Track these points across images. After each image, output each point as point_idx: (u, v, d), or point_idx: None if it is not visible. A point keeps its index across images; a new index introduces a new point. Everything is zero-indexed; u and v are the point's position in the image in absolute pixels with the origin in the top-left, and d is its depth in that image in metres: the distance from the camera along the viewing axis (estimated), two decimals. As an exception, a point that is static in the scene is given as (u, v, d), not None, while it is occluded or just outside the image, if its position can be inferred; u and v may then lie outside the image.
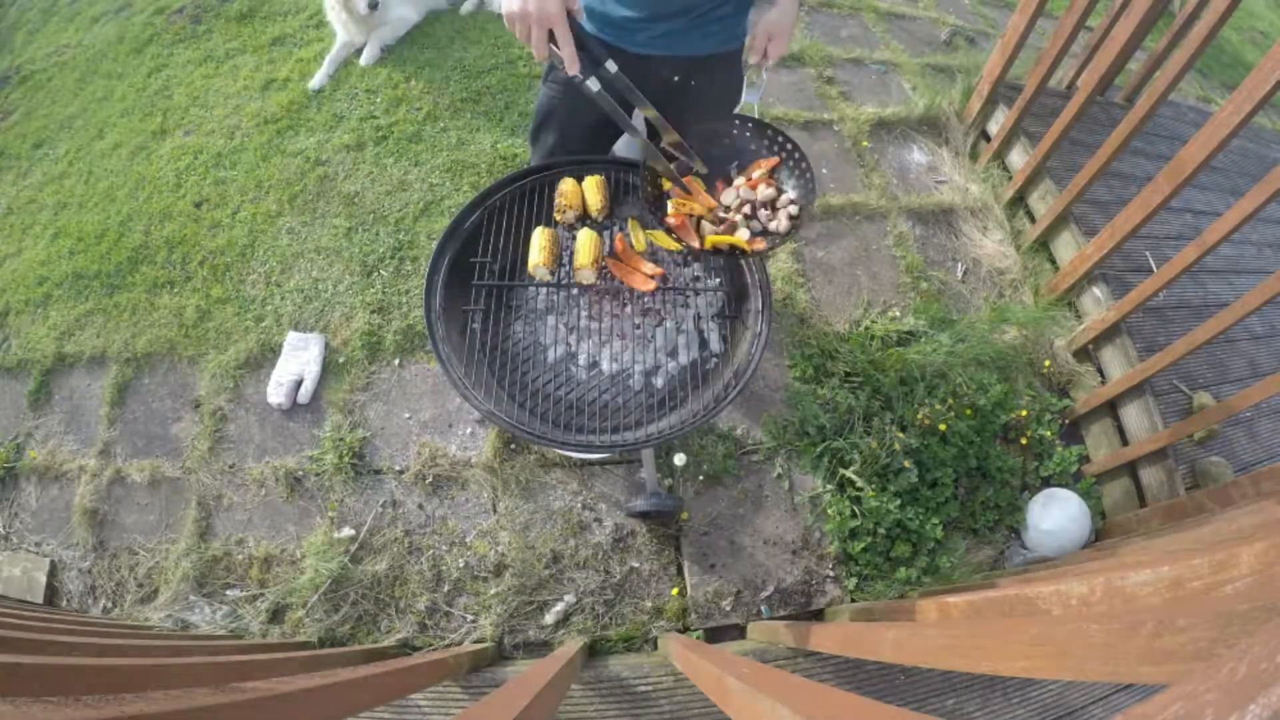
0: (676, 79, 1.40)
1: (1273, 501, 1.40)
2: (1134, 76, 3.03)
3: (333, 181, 2.60)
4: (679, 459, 1.91)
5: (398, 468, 1.99)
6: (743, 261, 1.41)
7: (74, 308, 2.43)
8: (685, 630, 1.78)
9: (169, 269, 2.45)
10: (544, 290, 1.43)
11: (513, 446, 1.99)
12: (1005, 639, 0.67)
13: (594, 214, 1.42)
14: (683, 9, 1.26)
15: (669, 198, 1.31)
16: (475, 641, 1.74)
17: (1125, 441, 2.06)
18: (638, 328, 1.43)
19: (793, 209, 1.32)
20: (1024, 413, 2.09)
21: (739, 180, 1.36)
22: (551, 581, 1.82)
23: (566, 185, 1.42)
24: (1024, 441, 2.08)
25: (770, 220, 1.31)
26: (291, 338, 2.20)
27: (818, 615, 1.82)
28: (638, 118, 1.71)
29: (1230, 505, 1.57)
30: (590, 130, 1.43)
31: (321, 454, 2.00)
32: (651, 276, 1.39)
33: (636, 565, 1.84)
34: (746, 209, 1.32)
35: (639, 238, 1.46)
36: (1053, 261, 2.50)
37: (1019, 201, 2.66)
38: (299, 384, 2.12)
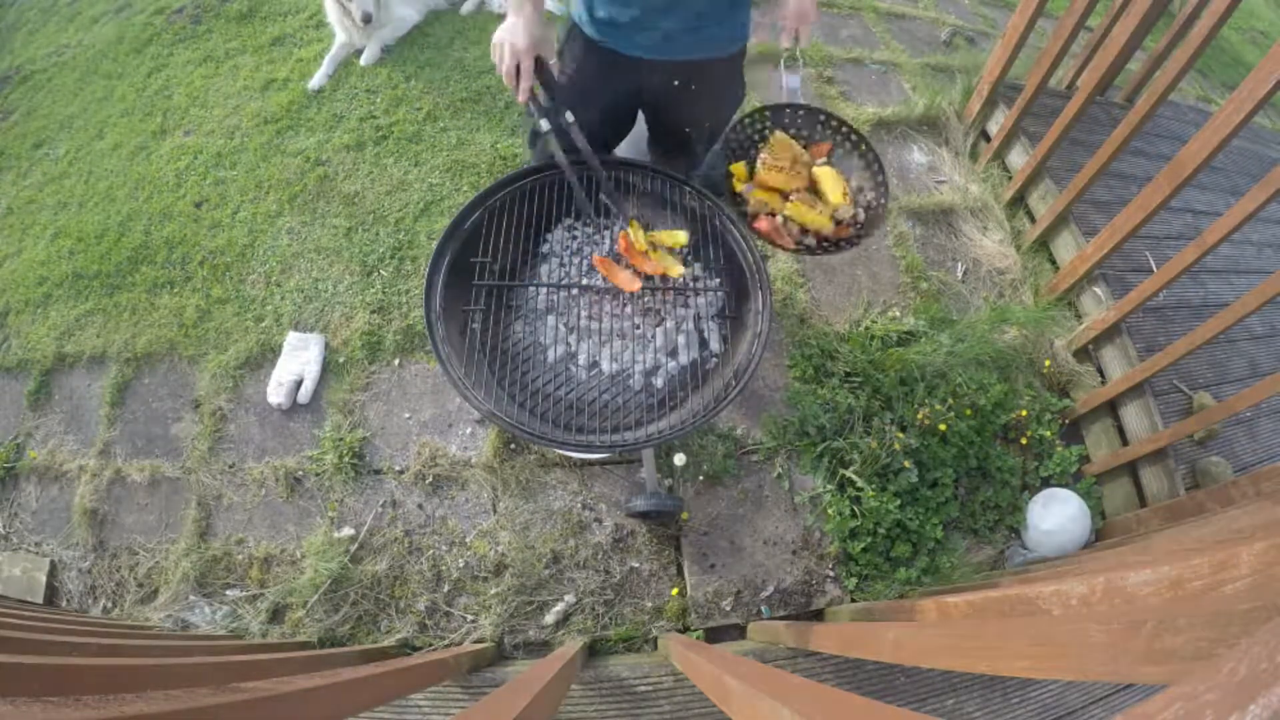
0: (677, 83, 1.41)
1: (1273, 501, 1.40)
2: (1134, 76, 3.03)
3: (333, 181, 2.60)
4: (679, 459, 1.91)
5: (398, 468, 1.99)
6: (743, 261, 1.42)
7: (74, 308, 2.43)
8: (685, 630, 1.78)
9: (169, 269, 2.45)
10: (544, 290, 1.44)
11: (513, 446, 1.99)
12: (1005, 639, 0.67)
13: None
14: (675, 6, 1.26)
15: (746, 196, 1.36)
16: (475, 641, 1.74)
17: (1125, 441, 2.06)
18: (638, 328, 1.43)
19: (862, 200, 1.38)
20: (1024, 413, 2.09)
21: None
22: (551, 581, 1.82)
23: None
24: (1024, 441, 2.08)
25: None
26: (291, 338, 2.20)
27: (818, 615, 1.82)
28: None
29: (1230, 505, 1.57)
30: (587, 134, 1.44)
31: (321, 454, 2.00)
32: (642, 275, 1.39)
33: (636, 565, 1.84)
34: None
35: (639, 238, 1.46)
36: (1053, 261, 2.50)
37: (1019, 201, 2.66)
38: (299, 384, 2.12)
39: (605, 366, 1.37)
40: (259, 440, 2.08)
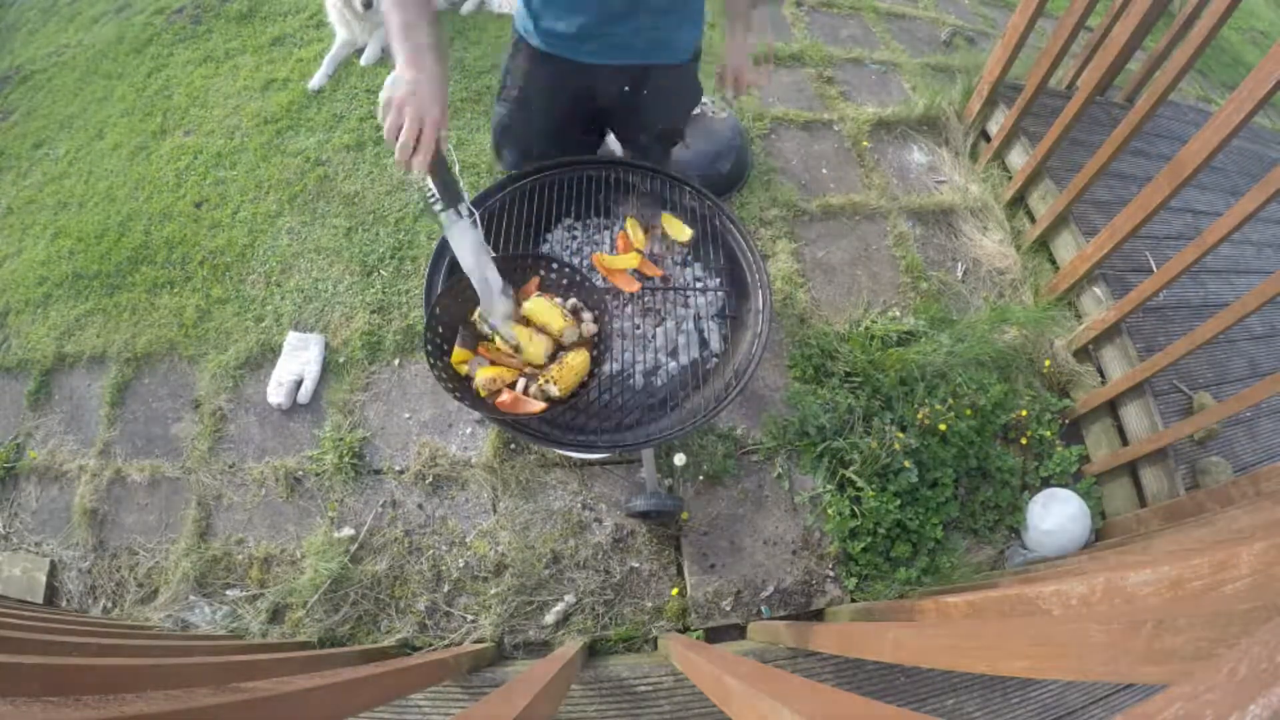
0: (626, 88, 1.41)
1: (1273, 501, 1.40)
2: (1134, 76, 3.03)
3: (333, 181, 2.60)
4: (679, 459, 1.91)
5: (398, 468, 1.99)
6: (743, 261, 1.42)
7: (74, 308, 2.43)
8: (685, 630, 1.78)
9: (169, 269, 2.45)
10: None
11: (513, 446, 1.99)
12: (1005, 639, 0.67)
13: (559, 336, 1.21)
14: (628, 14, 1.25)
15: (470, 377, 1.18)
16: (475, 641, 1.74)
17: (1125, 441, 2.06)
18: (638, 328, 1.43)
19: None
20: (1024, 413, 2.09)
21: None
22: (551, 581, 1.82)
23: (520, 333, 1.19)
24: (1024, 441, 2.08)
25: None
26: (291, 338, 2.20)
27: (818, 615, 1.82)
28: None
29: (1230, 505, 1.57)
30: (550, 138, 1.44)
31: (321, 454, 2.00)
32: (642, 276, 1.39)
33: (636, 565, 1.84)
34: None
35: (639, 236, 1.46)
36: (1053, 261, 2.50)
37: (1019, 201, 2.66)
38: (299, 384, 2.12)
39: (606, 366, 1.37)
40: (259, 440, 2.08)
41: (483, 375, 1.16)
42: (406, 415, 2.07)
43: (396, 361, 2.17)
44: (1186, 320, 2.32)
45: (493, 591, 1.79)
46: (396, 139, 0.95)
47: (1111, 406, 2.12)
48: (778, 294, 2.29)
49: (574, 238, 1.52)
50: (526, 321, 1.24)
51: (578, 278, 1.24)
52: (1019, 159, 2.67)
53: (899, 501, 1.84)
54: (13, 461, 2.17)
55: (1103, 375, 2.21)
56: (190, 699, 0.73)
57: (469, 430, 2.03)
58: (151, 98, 3.12)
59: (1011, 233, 2.57)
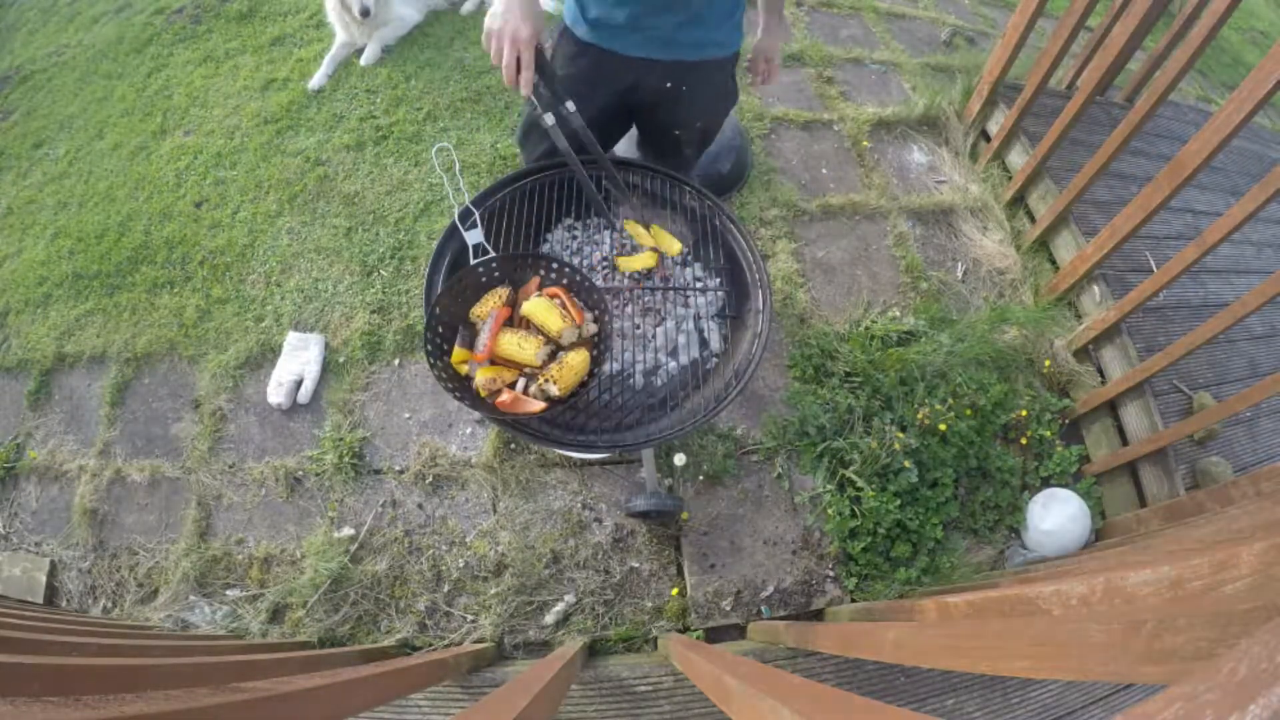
0: (669, 84, 1.41)
1: (1273, 501, 1.40)
2: (1134, 76, 3.03)
3: (333, 181, 2.60)
4: (679, 459, 1.91)
5: (398, 468, 1.99)
6: (743, 261, 1.42)
7: (74, 308, 2.43)
8: (685, 630, 1.78)
9: (169, 269, 2.45)
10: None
11: (512, 446, 1.99)
12: (1005, 639, 0.67)
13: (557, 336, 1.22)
14: (671, 7, 1.26)
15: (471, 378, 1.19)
16: (475, 641, 1.74)
17: (1125, 441, 2.06)
18: (638, 327, 1.43)
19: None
20: (1024, 413, 2.09)
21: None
22: (551, 581, 1.82)
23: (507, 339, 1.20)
24: (1024, 441, 2.08)
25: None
26: (291, 338, 2.20)
27: (818, 615, 1.82)
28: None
29: (1230, 505, 1.57)
30: (570, 143, 1.44)
31: (321, 454, 2.00)
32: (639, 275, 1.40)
33: (636, 565, 1.84)
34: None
35: (640, 233, 1.46)
36: (1053, 261, 2.50)
37: (1019, 201, 2.66)
38: (299, 384, 2.12)
39: (605, 366, 1.37)
40: (259, 440, 2.08)
41: (483, 375, 1.16)
42: (406, 415, 2.07)
43: (396, 361, 2.17)
44: (1186, 320, 2.32)
45: (493, 591, 1.79)
46: (502, 64, 1.13)
47: (1111, 406, 2.12)
48: (778, 294, 2.29)
49: (574, 238, 1.52)
50: (526, 323, 1.24)
51: (578, 277, 1.24)
52: (1019, 159, 2.67)
53: (899, 501, 1.84)
54: (13, 461, 2.17)
55: (1103, 375, 2.21)
56: (190, 699, 0.73)
57: (469, 430, 2.03)
58: (151, 98, 3.12)
59: (1011, 233, 2.57)
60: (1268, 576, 0.56)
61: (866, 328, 2.22)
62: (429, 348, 1.18)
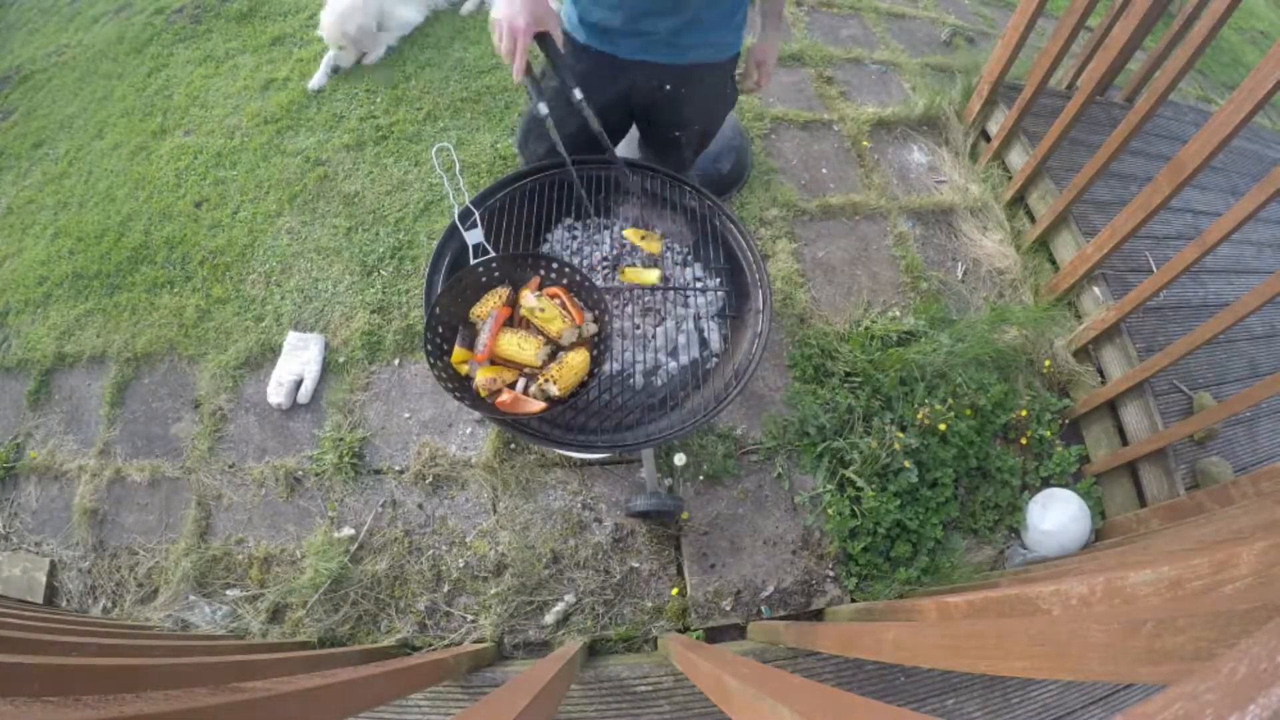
0: (667, 87, 1.41)
1: (1273, 501, 1.40)
2: (1134, 76, 3.03)
3: (333, 181, 2.60)
4: (679, 459, 1.91)
5: (398, 468, 1.99)
6: (743, 261, 1.42)
7: (74, 308, 2.43)
8: (685, 630, 1.78)
9: (169, 269, 2.45)
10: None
11: (512, 446, 1.99)
12: (1005, 639, 0.67)
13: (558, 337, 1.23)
14: (671, 11, 1.26)
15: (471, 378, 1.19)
16: (475, 641, 1.74)
17: (1125, 441, 2.06)
18: (638, 327, 1.43)
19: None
20: (1024, 413, 2.09)
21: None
22: (551, 581, 1.82)
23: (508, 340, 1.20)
24: (1024, 441, 2.08)
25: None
26: (291, 338, 2.20)
27: (818, 615, 1.82)
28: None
29: (1230, 505, 1.57)
30: (574, 139, 1.45)
31: (321, 454, 2.00)
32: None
33: (636, 565, 1.84)
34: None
35: (642, 240, 1.46)
36: (1053, 261, 2.50)
37: (1019, 201, 2.66)
38: (299, 384, 2.12)
39: (606, 366, 1.37)
40: (259, 440, 2.08)
41: (483, 375, 1.16)
42: (406, 415, 2.07)
43: (396, 361, 2.17)
44: (1186, 320, 2.32)
45: (493, 591, 1.79)
46: (502, 52, 1.17)
47: (1111, 406, 2.12)
48: (778, 294, 2.29)
49: (574, 238, 1.52)
50: (526, 323, 1.24)
51: (578, 277, 1.24)
52: (1019, 159, 2.67)
53: (899, 501, 1.84)
54: (13, 461, 2.17)
55: (1103, 375, 2.21)
56: (190, 699, 0.73)
57: (469, 430, 2.03)
58: (151, 98, 3.12)
59: (1011, 233, 2.57)
60: (1268, 576, 0.56)
61: (866, 328, 2.22)
62: (429, 348, 1.18)
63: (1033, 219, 2.58)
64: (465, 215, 1.32)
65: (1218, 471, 1.95)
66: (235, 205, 2.59)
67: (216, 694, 0.76)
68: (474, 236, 1.27)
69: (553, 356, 1.21)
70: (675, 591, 1.81)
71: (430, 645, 1.75)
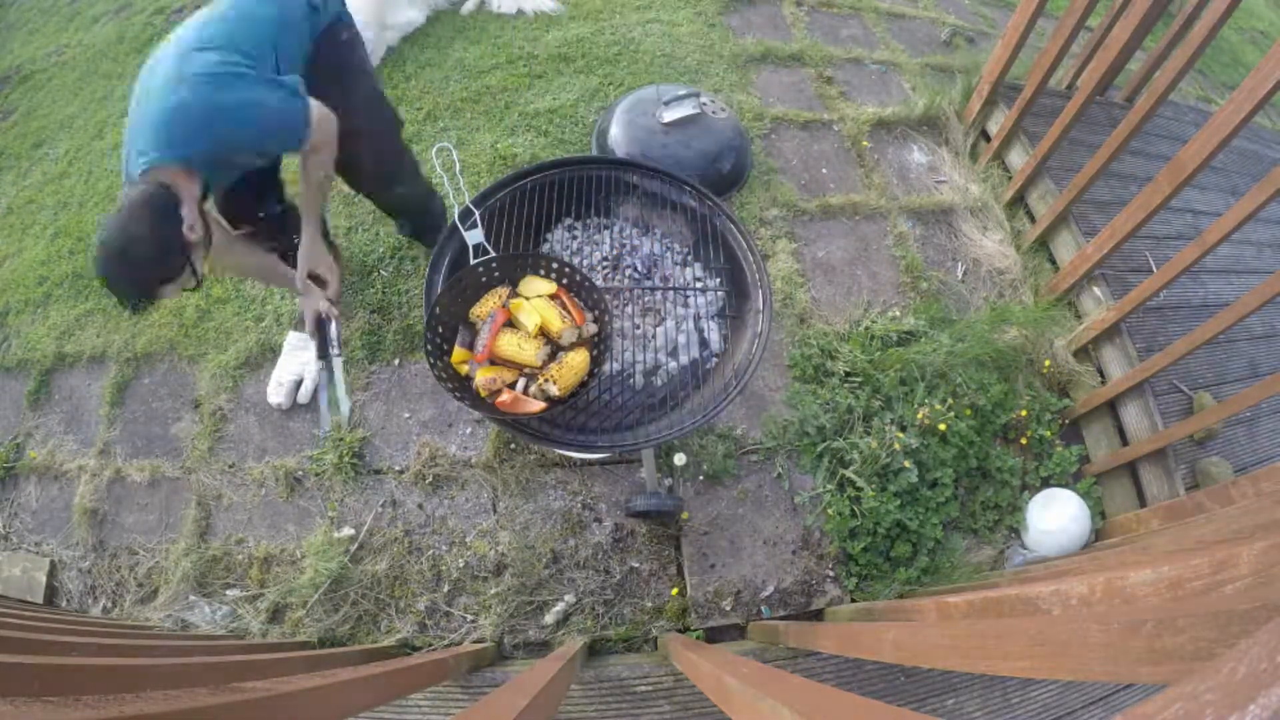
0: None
1: (1273, 501, 1.40)
2: (1134, 76, 3.03)
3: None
4: (679, 459, 1.91)
5: (398, 468, 1.99)
6: (743, 261, 1.42)
7: (74, 308, 2.43)
8: (685, 630, 1.78)
9: (169, 269, 2.45)
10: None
11: (512, 446, 1.99)
12: (1005, 639, 0.67)
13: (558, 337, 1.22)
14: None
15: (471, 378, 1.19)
16: (475, 641, 1.74)
17: (1125, 441, 2.06)
18: (638, 328, 1.43)
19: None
20: (1024, 413, 2.09)
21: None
22: (551, 581, 1.82)
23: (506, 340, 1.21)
24: (1024, 441, 2.08)
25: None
26: (291, 338, 2.19)
27: (818, 615, 1.82)
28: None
29: (1230, 505, 1.57)
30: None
31: (321, 454, 2.00)
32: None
33: (636, 565, 1.84)
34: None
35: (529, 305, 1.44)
36: (1053, 261, 2.50)
37: (1019, 201, 2.66)
38: (299, 384, 2.12)
39: (606, 366, 1.37)
40: (259, 440, 2.08)
41: (483, 375, 1.16)
42: (406, 415, 2.07)
43: (396, 361, 2.17)
44: (1186, 320, 2.32)
45: (492, 591, 1.79)
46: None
47: (1111, 406, 2.12)
48: (778, 294, 2.29)
49: (574, 237, 1.52)
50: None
51: (578, 277, 1.24)
52: (1019, 159, 2.67)
53: (899, 501, 1.84)
54: (13, 461, 2.17)
55: (1103, 375, 2.21)
56: (190, 699, 0.73)
57: (469, 430, 2.03)
58: (151, 98, 3.11)
59: (1011, 233, 2.57)
60: (1268, 576, 0.56)
61: (866, 328, 2.22)
62: (429, 348, 1.18)
63: (1033, 219, 2.58)
64: (465, 215, 1.32)
65: (1218, 471, 1.96)
66: (235, 205, 2.58)
67: (216, 694, 0.76)
68: (474, 236, 1.27)
69: (553, 356, 1.21)
70: (675, 591, 1.81)
71: (430, 645, 1.75)
